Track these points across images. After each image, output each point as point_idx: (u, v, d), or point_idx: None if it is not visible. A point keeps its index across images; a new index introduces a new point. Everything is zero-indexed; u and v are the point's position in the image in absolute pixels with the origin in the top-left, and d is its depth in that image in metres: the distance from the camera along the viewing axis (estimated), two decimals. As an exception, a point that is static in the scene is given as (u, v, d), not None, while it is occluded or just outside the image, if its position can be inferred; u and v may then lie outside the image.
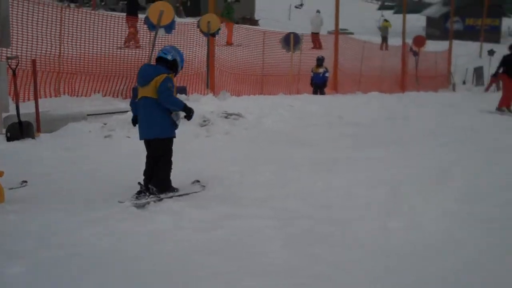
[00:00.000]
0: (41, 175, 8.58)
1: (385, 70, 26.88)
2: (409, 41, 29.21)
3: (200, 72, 17.03)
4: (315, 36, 29.37)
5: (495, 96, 18.78)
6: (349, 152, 10.63)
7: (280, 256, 5.73)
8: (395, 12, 69.11)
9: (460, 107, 18.46)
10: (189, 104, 7.73)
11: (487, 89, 24.74)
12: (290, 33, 19.90)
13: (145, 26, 15.15)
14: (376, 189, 8.00)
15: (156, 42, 14.73)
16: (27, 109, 11.85)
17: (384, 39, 37.40)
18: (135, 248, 5.84)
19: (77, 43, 15.24)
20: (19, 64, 11.56)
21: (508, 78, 17.62)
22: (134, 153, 8.23)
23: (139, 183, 7.46)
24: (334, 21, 22.82)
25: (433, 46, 34.95)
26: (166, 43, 15.93)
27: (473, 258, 5.75)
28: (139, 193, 7.34)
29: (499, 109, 17.44)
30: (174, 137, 7.69)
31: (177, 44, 16.65)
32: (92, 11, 18.55)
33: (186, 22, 19.41)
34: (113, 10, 45.22)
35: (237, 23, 36.70)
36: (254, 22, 49.61)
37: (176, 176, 7.78)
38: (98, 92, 15.26)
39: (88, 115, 12.61)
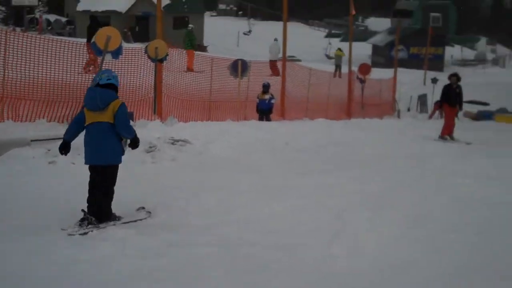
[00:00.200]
0: (-19, 202, 8.40)
1: (332, 97, 27.22)
2: (355, 68, 29.69)
3: (147, 98, 16.95)
4: (273, 63, 29.65)
5: (439, 123, 19.22)
6: (295, 178, 10.73)
7: (223, 283, 5.74)
8: (342, 40, 70.38)
9: (404, 134, 18.83)
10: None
11: (430, 117, 25.36)
12: (238, 59, 20.01)
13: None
14: (320, 215, 8.10)
15: (103, 67, 14.63)
16: (-32, 134, 11.61)
17: (338, 67, 38.00)
18: (77, 276, 5.76)
19: (22, 67, 15.01)
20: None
21: (448, 106, 18.07)
22: (78, 179, 8.13)
23: (82, 210, 7.36)
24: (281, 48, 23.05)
25: (378, 73, 35.61)
26: (113, 68, 15.87)
27: (418, 283, 5.85)
28: (82, 220, 7.25)
29: (442, 137, 17.85)
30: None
31: (124, 69, 16.61)
32: (38, 35, 18.32)
33: (134, 48, 19.35)
34: (60, 34, 44.88)
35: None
36: (203, 49, 49.82)
37: (121, 203, 7.72)
38: (43, 118, 15.03)
39: (32, 140, 12.38)
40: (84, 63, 17.88)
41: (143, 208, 8.12)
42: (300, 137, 15.70)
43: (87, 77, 16.56)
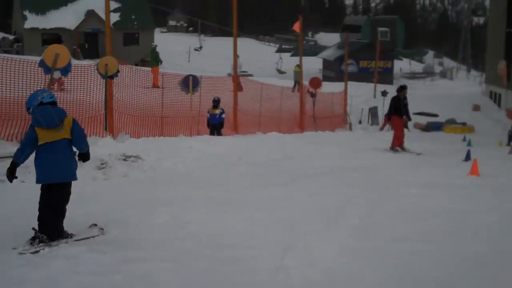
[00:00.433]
0: None
1: (284, 111, 27.38)
2: (306, 82, 29.92)
3: (98, 115, 16.80)
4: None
5: (390, 135, 19.50)
6: (247, 192, 10.76)
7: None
8: (292, 55, 70.96)
9: (356, 146, 19.05)
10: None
11: (381, 128, 25.65)
12: (189, 75, 20.00)
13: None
14: (274, 228, 8.15)
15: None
16: None
17: (296, 82, 38.25)
18: (29, 295, 5.67)
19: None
20: None
21: (398, 118, 18.34)
22: (28, 198, 7.99)
23: (33, 228, 7.25)
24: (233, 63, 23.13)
25: (329, 87, 35.99)
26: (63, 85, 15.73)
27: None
28: (33, 239, 7.14)
29: (393, 148, 18.10)
30: None
31: (74, 86, 16.44)
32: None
33: (84, 65, 19.17)
34: (8, 52, 44.19)
35: (136, 64, 36.75)
36: (154, 65, 49.59)
37: (73, 220, 7.64)
38: (-9, 136, 14.76)
39: (-21, 159, 12.16)
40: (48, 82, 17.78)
41: (96, 225, 8.03)
42: (253, 151, 15.75)
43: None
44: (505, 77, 38.86)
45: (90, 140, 13.68)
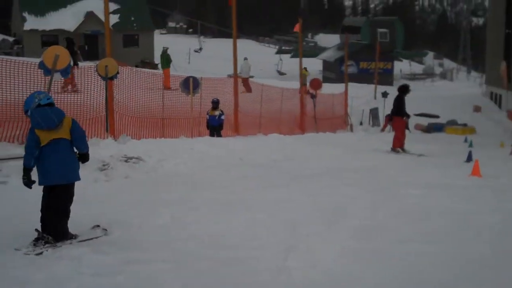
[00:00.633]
0: None
1: (285, 112, 27.39)
2: (306, 84, 29.93)
3: (99, 116, 16.80)
4: (245, 81, 30.73)
5: (391, 136, 19.50)
6: (249, 193, 10.76)
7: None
8: (292, 56, 71.06)
9: (357, 147, 19.06)
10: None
11: (383, 129, 25.68)
12: (189, 77, 20.01)
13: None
14: (275, 229, 8.15)
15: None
16: None
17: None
18: (32, 296, 5.67)
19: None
20: None
21: (399, 119, 18.32)
22: (32, 199, 8.00)
23: (36, 229, 7.27)
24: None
25: (329, 88, 36.02)
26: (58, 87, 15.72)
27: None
28: (36, 240, 7.16)
29: (394, 149, 18.09)
30: None
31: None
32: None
33: (83, 66, 19.18)
34: (8, 54, 44.23)
35: (136, 66, 36.86)
36: (154, 66, 49.74)
37: (76, 222, 7.64)
38: (-7, 138, 14.77)
39: (-18, 161, 12.17)
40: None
41: (99, 226, 8.05)
42: (254, 153, 15.75)
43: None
44: (506, 78, 38.84)
45: (91, 141, 13.77)
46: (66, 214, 7.48)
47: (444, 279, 6.33)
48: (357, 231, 8.10)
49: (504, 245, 7.57)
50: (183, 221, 8.57)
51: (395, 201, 10.08)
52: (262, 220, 8.63)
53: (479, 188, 11.35)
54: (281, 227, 8.26)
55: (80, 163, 7.72)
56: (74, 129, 7.41)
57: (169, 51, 32.69)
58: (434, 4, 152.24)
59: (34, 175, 7.34)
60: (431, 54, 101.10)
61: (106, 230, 7.97)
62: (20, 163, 10.95)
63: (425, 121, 35.20)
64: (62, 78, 15.56)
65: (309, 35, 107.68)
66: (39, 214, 7.41)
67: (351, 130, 32.15)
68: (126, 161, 12.62)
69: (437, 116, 38.53)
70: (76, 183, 7.62)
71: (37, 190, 7.49)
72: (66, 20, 52.66)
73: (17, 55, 45.88)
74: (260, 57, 71.97)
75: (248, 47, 73.76)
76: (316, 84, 29.89)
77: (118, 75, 16.46)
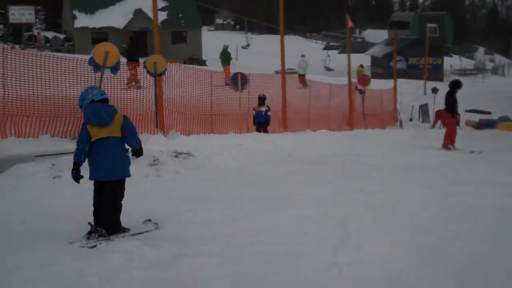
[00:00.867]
0: (-12, 218, 8.42)
1: (333, 108, 27.27)
2: (355, 80, 29.73)
3: (149, 112, 16.99)
4: (301, 77, 31.79)
5: (442, 133, 19.21)
6: (298, 188, 10.75)
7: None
8: (340, 52, 70.47)
9: (407, 144, 18.82)
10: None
11: (433, 126, 25.29)
12: (237, 73, 20.08)
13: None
14: (325, 225, 8.12)
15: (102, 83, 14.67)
16: (-28, 151, 11.65)
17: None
18: (86, 288, 5.77)
19: (23, 84, 15.04)
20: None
21: (450, 115, 18.03)
22: (84, 193, 8.14)
23: (89, 223, 7.40)
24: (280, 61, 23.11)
25: (378, 84, 35.69)
26: (113, 83, 15.93)
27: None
28: (89, 233, 7.29)
29: (445, 146, 17.82)
30: None
31: (122, 84, 16.65)
32: (37, 53, 18.36)
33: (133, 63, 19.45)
34: (59, 51, 45.04)
35: (184, 62, 37.20)
36: (202, 62, 50.06)
37: (128, 216, 7.76)
38: (46, 133, 15.07)
39: (36, 156, 12.42)
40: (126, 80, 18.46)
41: (150, 220, 8.16)
42: (303, 149, 15.72)
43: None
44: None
45: (141, 137, 13.88)
46: (118, 208, 7.59)
47: (496, 277, 6.22)
48: (408, 227, 8.02)
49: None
50: (232, 217, 8.61)
51: (447, 198, 9.93)
52: (310, 216, 8.60)
53: (533, 186, 11.10)
54: (330, 223, 8.21)
55: (130, 158, 7.80)
56: (125, 126, 7.49)
57: (217, 48, 33.23)
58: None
59: (86, 170, 7.45)
60: (481, 50, 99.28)
61: (157, 224, 8.07)
62: (72, 158, 11.21)
63: (476, 118, 34.57)
64: (119, 74, 15.82)
65: (357, 31, 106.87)
66: (92, 208, 7.54)
67: (401, 126, 31.80)
68: (176, 156, 12.74)
69: (488, 112, 37.81)
70: (128, 178, 7.71)
71: (90, 184, 7.62)
72: (115, 17, 53.35)
73: (68, 52, 46.72)
74: (307, 53, 71.49)
75: (295, 43, 73.69)
76: (365, 80, 29.65)
77: (166, 71, 16.61)
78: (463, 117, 27.16)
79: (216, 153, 13.69)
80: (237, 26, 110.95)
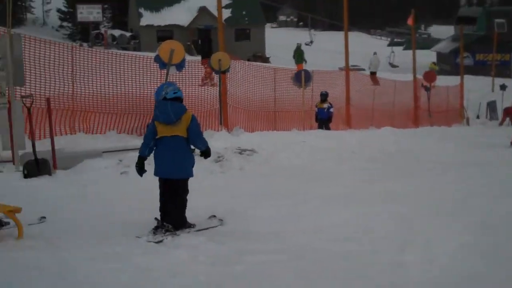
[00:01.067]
0: (58, 211, 8.66)
1: (398, 105, 26.95)
2: (420, 76, 29.30)
3: (213, 109, 17.14)
4: (373, 74, 32.26)
5: (510, 130, 18.77)
6: (362, 186, 10.66)
7: (294, 290, 5.71)
8: (405, 48, 69.52)
9: (474, 141, 18.45)
10: None
11: (501, 123, 24.76)
12: (301, 70, 20.06)
13: None
14: (390, 222, 8.00)
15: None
16: (43, 146, 11.96)
17: None
18: (152, 282, 5.87)
19: (90, 82, 15.38)
20: (34, 103, 11.68)
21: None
22: (151, 189, 8.28)
23: (156, 218, 7.51)
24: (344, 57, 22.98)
25: (444, 81, 35.05)
26: (178, 80, 16.11)
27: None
28: (156, 228, 7.39)
29: (514, 144, 17.40)
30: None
31: (188, 81, 16.82)
32: (104, 50, 18.74)
33: (197, 60, 19.62)
34: (125, 49, 45.80)
35: (248, 60, 37.35)
36: (265, 60, 50.09)
37: (193, 211, 7.85)
38: (113, 129, 15.38)
39: (103, 152, 12.70)
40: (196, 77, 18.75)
41: (215, 216, 8.23)
42: (367, 146, 15.56)
43: (153, 89, 16.78)
44: None
45: (206, 134, 14.04)
46: (183, 204, 7.67)
47: None
48: (477, 226, 7.81)
49: None
50: (296, 213, 8.59)
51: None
52: (375, 213, 8.49)
53: None
54: (396, 220, 8.09)
55: (199, 158, 7.87)
56: (191, 127, 7.48)
57: (280, 46, 33.49)
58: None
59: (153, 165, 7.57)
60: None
61: (222, 220, 8.14)
62: (138, 154, 11.38)
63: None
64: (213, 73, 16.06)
65: (422, 27, 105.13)
66: (158, 203, 7.65)
67: (468, 123, 31.20)
68: (240, 153, 12.81)
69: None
70: (194, 174, 7.78)
71: (156, 180, 7.74)
72: (180, 15, 53.85)
73: (134, 49, 47.43)
74: (372, 50, 70.84)
75: (359, 39, 72.88)
76: (430, 77, 29.19)
77: (230, 68, 16.72)
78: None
79: (280, 150, 13.69)
80: (301, 23, 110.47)
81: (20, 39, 11.85)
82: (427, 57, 57.51)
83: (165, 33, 50.90)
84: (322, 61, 50.48)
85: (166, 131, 7.46)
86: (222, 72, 16.25)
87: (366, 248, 6.97)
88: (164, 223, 7.40)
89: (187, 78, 16.96)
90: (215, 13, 17.97)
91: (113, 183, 10.66)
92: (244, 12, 56.97)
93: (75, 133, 14.56)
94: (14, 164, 11.30)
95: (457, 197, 9.60)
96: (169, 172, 7.54)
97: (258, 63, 26.88)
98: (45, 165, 11.11)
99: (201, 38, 27.32)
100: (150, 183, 8.03)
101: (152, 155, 7.72)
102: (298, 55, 33.51)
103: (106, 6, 58.16)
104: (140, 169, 7.63)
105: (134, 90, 16.43)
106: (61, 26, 61.67)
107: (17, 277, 5.84)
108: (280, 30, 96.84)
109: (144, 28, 52.86)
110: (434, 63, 44.18)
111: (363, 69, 42.97)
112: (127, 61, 16.21)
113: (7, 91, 11.29)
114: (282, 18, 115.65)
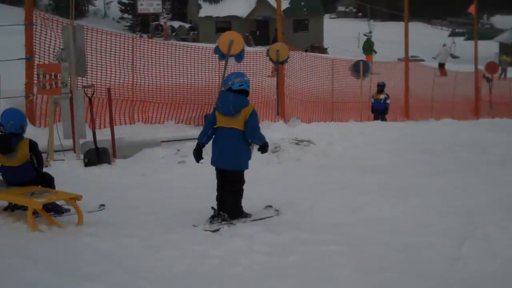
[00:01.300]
0: (117, 199, 8.83)
1: (458, 97, 26.45)
2: (482, 67, 28.70)
3: (270, 100, 17.16)
4: (441, 66, 31.92)
5: None
6: (420, 178, 10.49)
7: (351, 283, 5.70)
8: (466, 39, 68.23)
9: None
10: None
11: None
12: (360, 60, 19.87)
13: None
14: (448, 216, 7.86)
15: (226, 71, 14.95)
16: (103, 135, 12.19)
17: (504, 71, 36.96)
18: (208, 270, 5.93)
19: (150, 72, 15.59)
20: (95, 93, 11.91)
21: None
22: (208, 178, 8.35)
23: (212, 207, 7.59)
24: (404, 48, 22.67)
25: (507, 72, 34.22)
26: (254, 70, 16.21)
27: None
28: (212, 217, 7.47)
29: None
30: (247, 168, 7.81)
31: (247, 72, 16.86)
32: (164, 42, 18.96)
33: (255, 51, 19.65)
34: (184, 40, 46.20)
35: (306, 50, 37.30)
36: (323, 50, 49.84)
37: (249, 201, 7.88)
38: (171, 120, 15.56)
39: (161, 141, 12.86)
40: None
41: (271, 206, 8.25)
42: (426, 138, 15.30)
43: (211, 80, 16.89)
44: None
45: (263, 124, 14.09)
46: (239, 194, 7.71)
47: None
48: (538, 222, 7.62)
49: None
50: (353, 205, 8.51)
51: None
52: (434, 206, 8.35)
53: None
54: (455, 214, 7.93)
55: (256, 152, 7.90)
56: (249, 121, 7.47)
57: (338, 36, 33.62)
58: None
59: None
60: None
61: (278, 210, 8.15)
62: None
63: None
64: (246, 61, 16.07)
65: (485, 17, 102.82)
66: (215, 193, 7.71)
67: (532, 116, 30.40)
68: (297, 144, 12.80)
69: None
70: (250, 164, 7.81)
71: (213, 170, 7.80)
72: (238, 6, 54.07)
73: (193, 40, 47.81)
74: (432, 40, 69.70)
75: (419, 30, 71.88)
76: (493, 68, 28.54)
77: (288, 59, 16.70)
78: None
79: (337, 141, 13.61)
80: (360, 14, 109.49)
81: (83, 30, 12.10)
82: (489, 48, 56.36)
83: (223, 24, 51.24)
84: (380, 51, 49.95)
85: (224, 122, 7.50)
86: (280, 63, 16.26)
87: (425, 241, 6.88)
88: (221, 212, 7.47)
89: (245, 69, 17.01)
90: (274, 4, 17.95)
91: (171, 172, 10.79)
92: (302, 3, 56.81)
93: (134, 123, 14.80)
94: (75, 152, 11.55)
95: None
96: (224, 163, 7.59)
97: (315, 54, 26.74)
98: (105, 154, 11.33)
99: (259, 29, 27.56)
100: (207, 172, 8.10)
101: (210, 143, 7.78)
102: (368, 46, 33.91)
103: (166, -3, 58.82)
104: (197, 156, 7.70)
105: (192, 81, 16.59)
106: (121, 18, 62.62)
107: (76, 263, 5.99)
108: (338, 21, 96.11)
109: (203, 19, 53.26)
110: (505, 55, 43.11)
111: (423, 60, 42.36)
112: (185, 52, 16.36)
113: (69, 81, 11.53)
114: (341, 8, 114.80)
